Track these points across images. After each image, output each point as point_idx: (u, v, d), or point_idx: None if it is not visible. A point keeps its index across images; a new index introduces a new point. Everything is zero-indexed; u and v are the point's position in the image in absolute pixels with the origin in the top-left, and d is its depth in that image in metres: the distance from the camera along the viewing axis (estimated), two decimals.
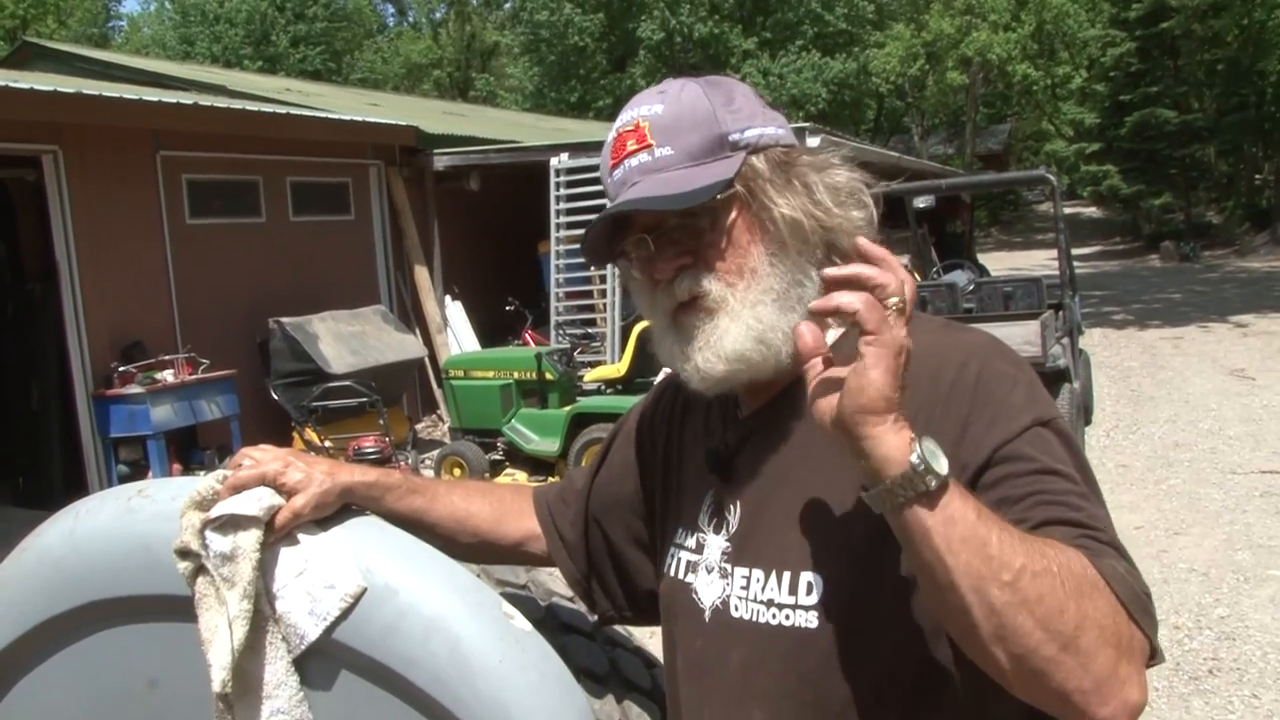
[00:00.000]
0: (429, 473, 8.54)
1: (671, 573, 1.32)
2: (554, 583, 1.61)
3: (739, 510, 1.24)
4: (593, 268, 10.27)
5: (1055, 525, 1.02)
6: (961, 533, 0.94)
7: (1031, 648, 0.93)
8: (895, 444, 0.95)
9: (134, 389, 7.75)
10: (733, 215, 1.18)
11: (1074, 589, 0.94)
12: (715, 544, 1.25)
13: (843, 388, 0.97)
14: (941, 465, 0.95)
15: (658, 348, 1.26)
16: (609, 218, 1.20)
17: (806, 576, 1.14)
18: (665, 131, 1.19)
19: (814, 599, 1.13)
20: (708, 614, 1.24)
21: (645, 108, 1.21)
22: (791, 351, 1.17)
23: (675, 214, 1.17)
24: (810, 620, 1.13)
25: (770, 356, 1.17)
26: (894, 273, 0.98)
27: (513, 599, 1.37)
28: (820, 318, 1.00)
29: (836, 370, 1.00)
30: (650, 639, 1.42)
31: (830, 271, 1.00)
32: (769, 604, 1.17)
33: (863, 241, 1.03)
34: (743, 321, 1.17)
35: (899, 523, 0.97)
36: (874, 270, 0.98)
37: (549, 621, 1.53)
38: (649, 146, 1.19)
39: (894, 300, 0.96)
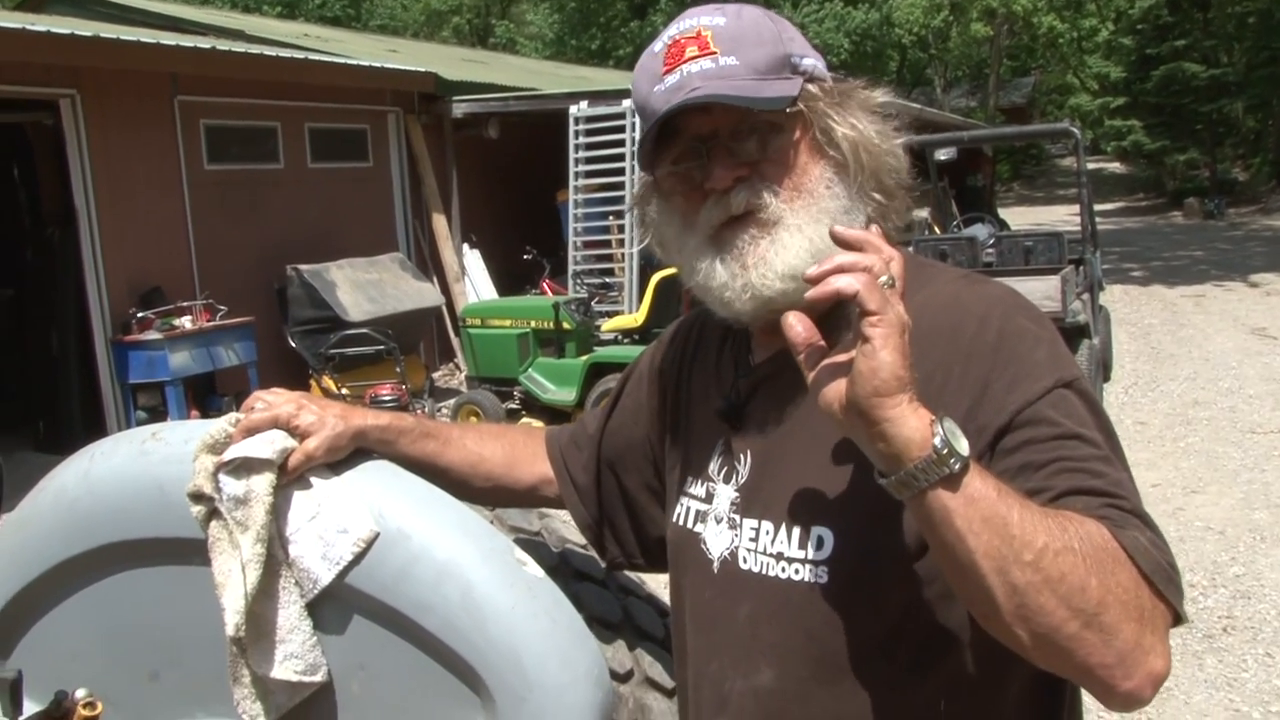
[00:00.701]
0: (445, 420, 8.56)
1: (680, 521, 1.31)
2: (567, 530, 1.61)
3: (749, 460, 1.22)
4: (611, 217, 10.25)
5: (1078, 495, 1.00)
6: (983, 513, 0.92)
7: (1055, 626, 0.92)
8: (915, 425, 0.93)
9: (152, 335, 7.78)
10: (795, 133, 1.16)
11: (1095, 564, 0.93)
12: (725, 494, 1.24)
13: (850, 373, 0.94)
14: (963, 446, 0.93)
15: (692, 269, 1.21)
16: (662, 120, 1.15)
17: (817, 530, 1.13)
18: (731, 41, 1.15)
19: (825, 554, 1.12)
20: (716, 565, 1.22)
21: (706, 18, 1.17)
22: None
23: (735, 124, 1.15)
24: (820, 575, 1.12)
25: None
26: (879, 252, 0.97)
27: (526, 545, 1.37)
28: (815, 303, 0.97)
29: (839, 356, 0.97)
30: (663, 588, 1.42)
31: (811, 271, 0.97)
32: (778, 557, 1.15)
33: (837, 229, 1.01)
34: (804, 236, 1.14)
35: (920, 506, 0.95)
36: (859, 255, 0.96)
37: (562, 568, 1.53)
38: (713, 54, 1.14)
39: (884, 280, 0.95)
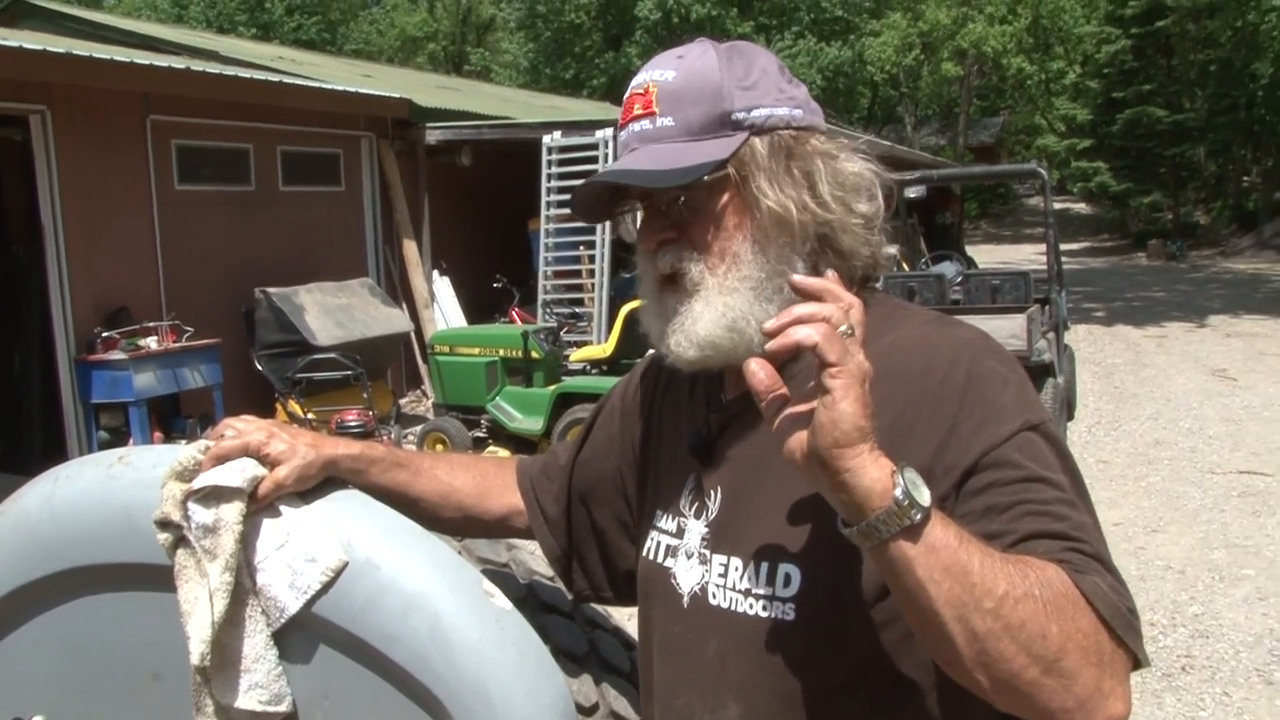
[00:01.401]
0: (411, 447, 8.53)
1: (650, 555, 1.31)
2: (535, 561, 1.60)
3: (719, 496, 1.23)
4: (581, 247, 10.26)
5: (1040, 539, 1.01)
6: (944, 561, 0.93)
7: (1015, 672, 0.93)
8: (876, 476, 0.93)
9: (117, 355, 7.70)
10: (723, 197, 1.17)
11: (1055, 611, 0.94)
12: (695, 529, 1.24)
13: (811, 423, 0.94)
14: (924, 496, 0.93)
15: (643, 316, 1.26)
16: (605, 181, 1.21)
17: (785, 567, 1.13)
18: (671, 100, 1.17)
19: (791, 591, 1.12)
20: (686, 600, 1.23)
21: (659, 71, 1.19)
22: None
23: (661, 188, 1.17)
24: (787, 612, 1.12)
25: (742, 344, 1.15)
26: (838, 300, 0.97)
27: (493, 577, 1.37)
28: (775, 356, 0.97)
29: (801, 406, 0.97)
30: (629, 620, 1.42)
31: (769, 325, 0.97)
32: (746, 593, 1.16)
33: (796, 278, 1.01)
34: (715, 307, 1.16)
35: (881, 555, 0.95)
36: (817, 306, 0.96)
37: (529, 600, 1.53)
38: (652, 114, 1.18)
39: (843, 329, 0.94)
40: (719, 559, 1.20)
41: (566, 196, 10.13)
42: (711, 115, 1.17)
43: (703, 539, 1.23)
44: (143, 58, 9.26)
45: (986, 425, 1.07)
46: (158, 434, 7.92)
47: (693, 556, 1.23)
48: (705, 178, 1.14)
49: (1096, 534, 1.04)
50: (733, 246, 1.17)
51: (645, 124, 1.18)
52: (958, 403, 1.08)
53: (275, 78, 10.87)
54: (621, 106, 1.23)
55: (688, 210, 1.17)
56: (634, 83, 1.21)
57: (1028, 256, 24.63)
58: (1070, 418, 9.19)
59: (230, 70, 10.15)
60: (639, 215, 1.24)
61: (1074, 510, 1.04)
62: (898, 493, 0.92)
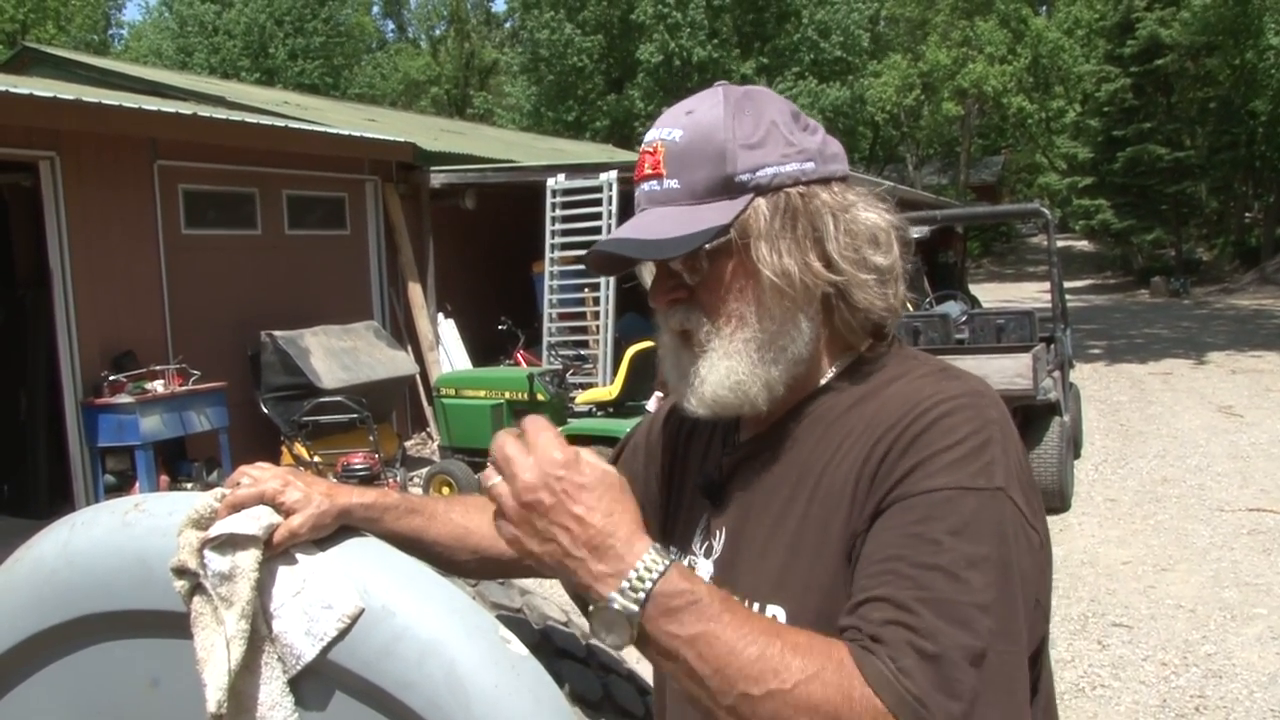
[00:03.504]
0: (417, 490, 8.51)
1: None
2: (549, 607, 1.60)
3: (724, 536, 1.25)
4: (586, 289, 10.30)
5: (882, 604, 0.98)
6: (680, 654, 0.97)
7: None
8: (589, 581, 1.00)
9: (123, 399, 7.72)
10: (728, 263, 1.18)
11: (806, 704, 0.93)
12: (704, 569, 1.26)
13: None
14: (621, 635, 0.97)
15: (662, 366, 1.29)
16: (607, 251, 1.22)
17: (771, 609, 1.14)
18: (676, 161, 1.18)
19: None
20: None
21: (667, 130, 1.20)
22: (775, 396, 1.19)
23: None
24: None
25: (747, 403, 1.19)
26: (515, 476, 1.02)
27: (508, 622, 1.36)
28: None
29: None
30: (638, 663, 1.41)
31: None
32: None
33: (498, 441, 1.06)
34: (719, 370, 1.18)
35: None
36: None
37: (544, 646, 1.53)
38: (660, 175, 1.19)
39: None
40: None
41: (571, 240, 10.21)
42: (715, 179, 1.17)
43: (710, 579, 1.23)
44: (150, 103, 9.34)
45: (913, 474, 1.05)
46: (164, 477, 7.92)
47: None
48: (707, 245, 1.15)
49: (965, 611, 0.97)
50: (738, 309, 1.18)
51: (653, 185, 1.20)
52: (904, 448, 1.08)
53: (280, 122, 10.96)
54: (633, 152, 1.25)
55: (693, 272, 1.20)
56: (646, 138, 1.22)
57: (1031, 294, 24.69)
58: (1077, 456, 9.16)
59: (236, 115, 10.24)
60: (652, 269, 1.26)
61: (949, 582, 0.98)
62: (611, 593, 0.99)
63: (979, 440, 1.07)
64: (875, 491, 1.07)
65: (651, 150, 1.20)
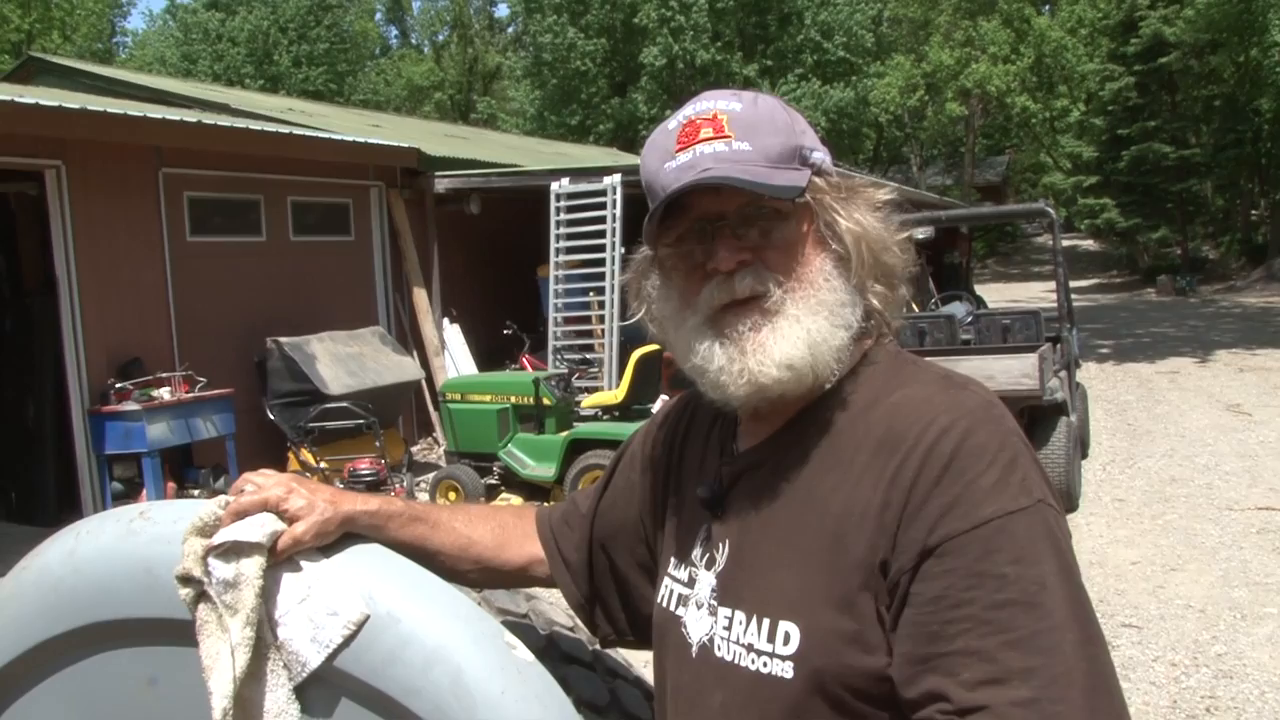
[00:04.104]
0: (423, 496, 8.52)
1: (664, 603, 1.31)
2: (555, 612, 1.60)
3: (727, 549, 1.23)
4: (591, 293, 10.30)
5: (968, 657, 0.99)
6: None
7: None
8: None
9: (130, 406, 7.72)
10: (803, 225, 1.18)
11: None
12: (705, 580, 1.24)
13: None
14: None
15: (689, 349, 1.21)
16: (672, 196, 1.16)
17: (785, 625, 1.12)
18: (746, 127, 1.17)
19: (791, 649, 1.11)
20: (694, 649, 1.23)
21: (724, 102, 1.19)
22: (829, 375, 1.18)
23: (742, 208, 1.16)
24: (786, 670, 1.11)
25: (812, 371, 1.16)
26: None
27: (514, 628, 1.36)
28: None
29: None
30: (644, 667, 1.41)
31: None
32: (749, 649, 1.15)
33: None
34: (802, 326, 1.15)
35: None
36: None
37: (550, 652, 1.53)
38: (727, 137, 1.16)
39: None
40: (724, 612, 1.20)
41: (575, 243, 10.21)
42: (787, 146, 1.18)
43: (712, 590, 1.23)
44: (155, 111, 9.36)
45: (956, 508, 1.04)
46: (171, 484, 7.93)
47: (702, 607, 1.23)
48: (797, 199, 1.16)
49: (1051, 637, 0.99)
50: (810, 273, 1.17)
51: (720, 146, 1.16)
52: (936, 477, 1.06)
53: (285, 129, 10.97)
54: (670, 132, 1.20)
55: (764, 235, 1.17)
56: (689, 111, 1.20)
57: (1037, 294, 24.67)
58: (1085, 456, 9.14)
59: (241, 122, 10.27)
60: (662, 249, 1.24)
61: (1026, 614, 0.99)
62: None
63: (1008, 456, 1.07)
64: (913, 524, 1.05)
65: (710, 117, 1.18)
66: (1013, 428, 1.12)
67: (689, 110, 1.20)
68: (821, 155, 1.21)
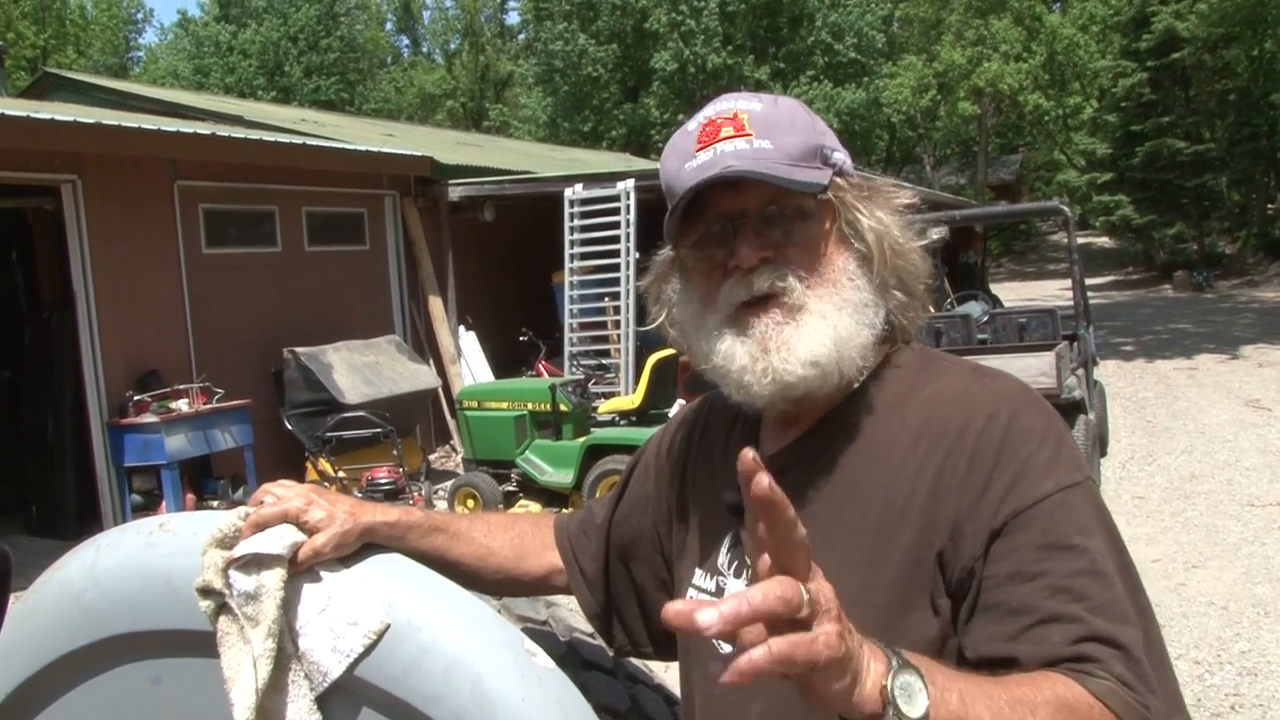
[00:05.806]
0: (442, 504, 8.53)
1: None
2: (575, 618, 1.60)
3: None
4: (607, 298, 10.30)
5: (1056, 623, 0.99)
6: None
7: None
8: (865, 697, 0.85)
9: (149, 418, 7.77)
10: (825, 223, 1.18)
11: None
12: (736, 588, 1.22)
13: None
14: (917, 707, 0.86)
15: (709, 350, 1.20)
16: (693, 192, 1.16)
17: None
18: (766, 126, 1.17)
19: None
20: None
21: (744, 103, 1.20)
22: (854, 375, 1.17)
23: (764, 205, 1.16)
24: None
25: (838, 369, 1.15)
26: (795, 578, 0.82)
27: (534, 635, 1.36)
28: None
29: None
30: (665, 672, 1.41)
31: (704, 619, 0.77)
32: None
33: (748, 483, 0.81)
34: (828, 323, 1.14)
35: None
36: (763, 598, 0.78)
37: (570, 658, 1.53)
38: (748, 136, 1.16)
39: (804, 609, 0.80)
40: None
41: (590, 249, 10.22)
42: (808, 145, 1.18)
43: None
44: (169, 124, 9.42)
45: (1017, 486, 1.06)
46: (190, 496, 7.97)
47: None
48: (819, 196, 1.16)
49: (1121, 605, 1.02)
50: (832, 271, 1.17)
51: (741, 144, 1.16)
52: (992, 461, 1.08)
53: (298, 140, 11.02)
54: (690, 133, 1.20)
55: (786, 234, 1.17)
56: (710, 111, 1.21)
57: (1053, 293, 24.56)
58: (1103, 454, 9.10)
59: (254, 134, 10.31)
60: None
61: (1097, 583, 1.02)
62: (889, 713, 0.86)
63: (1055, 435, 1.10)
64: (976, 512, 1.05)
65: (731, 116, 1.18)
66: (1053, 410, 1.14)
67: (709, 111, 1.20)
68: (842, 156, 1.21)
